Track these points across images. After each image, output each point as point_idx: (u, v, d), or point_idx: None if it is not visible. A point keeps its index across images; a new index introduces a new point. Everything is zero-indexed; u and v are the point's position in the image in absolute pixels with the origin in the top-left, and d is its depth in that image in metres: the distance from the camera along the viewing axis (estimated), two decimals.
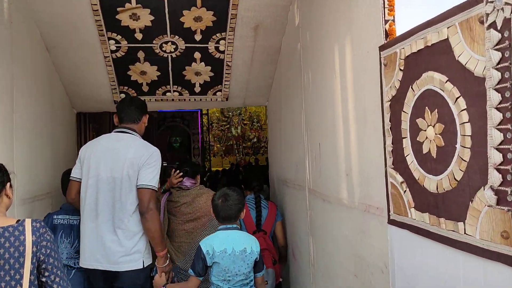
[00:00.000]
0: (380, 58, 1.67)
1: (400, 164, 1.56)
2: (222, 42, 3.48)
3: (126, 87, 3.81)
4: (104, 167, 2.49)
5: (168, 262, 2.59)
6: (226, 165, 17.41)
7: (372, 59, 1.74)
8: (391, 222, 1.65)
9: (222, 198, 2.41)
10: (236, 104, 4.33)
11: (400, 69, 1.52)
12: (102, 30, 3.21)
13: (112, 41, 3.33)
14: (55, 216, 2.76)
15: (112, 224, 2.48)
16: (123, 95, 3.82)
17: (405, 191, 1.53)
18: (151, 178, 2.47)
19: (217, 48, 3.55)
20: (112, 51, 3.42)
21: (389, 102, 1.61)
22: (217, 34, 3.42)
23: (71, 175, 2.65)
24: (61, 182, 2.94)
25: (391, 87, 1.59)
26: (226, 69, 3.77)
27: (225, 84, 3.95)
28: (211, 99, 4.09)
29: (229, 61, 3.69)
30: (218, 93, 4.04)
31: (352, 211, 2.06)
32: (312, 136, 2.75)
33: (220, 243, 2.33)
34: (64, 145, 3.54)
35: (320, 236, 2.65)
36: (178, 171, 3.12)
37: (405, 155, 1.51)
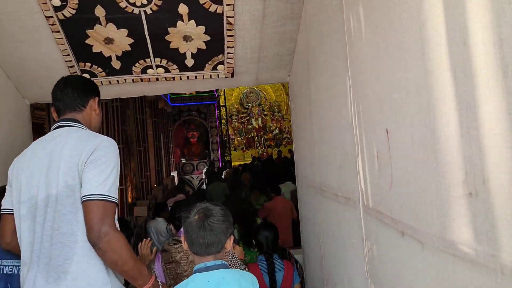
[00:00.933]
0: None
1: None
2: None
3: (89, 64, 2.69)
4: (37, 185, 1.65)
5: None
6: (247, 159, 16.61)
7: None
8: None
9: (200, 215, 1.54)
10: (246, 82, 3.13)
11: None
12: None
13: None
14: None
15: (53, 270, 1.57)
16: (87, 76, 2.74)
17: None
18: (100, 182, 1.58)
19: None
20: (56, 8, 2.30)
21: None
22: None
23: (1, 207, 1.83)
24: None
25: None
26: (228, 30, 2.59)
27: (228, 53, 2.77)
28: (211, 75, 2.92)
29: (231, 17, 2.50)
30: (220, 67, 2.87)
31: (492, 276, 0.91)
32: (369, 118, 1.59)
33: None
34: (6, 152, 2.47)
35: None
36: (147, 239, 2.28)
37: None
